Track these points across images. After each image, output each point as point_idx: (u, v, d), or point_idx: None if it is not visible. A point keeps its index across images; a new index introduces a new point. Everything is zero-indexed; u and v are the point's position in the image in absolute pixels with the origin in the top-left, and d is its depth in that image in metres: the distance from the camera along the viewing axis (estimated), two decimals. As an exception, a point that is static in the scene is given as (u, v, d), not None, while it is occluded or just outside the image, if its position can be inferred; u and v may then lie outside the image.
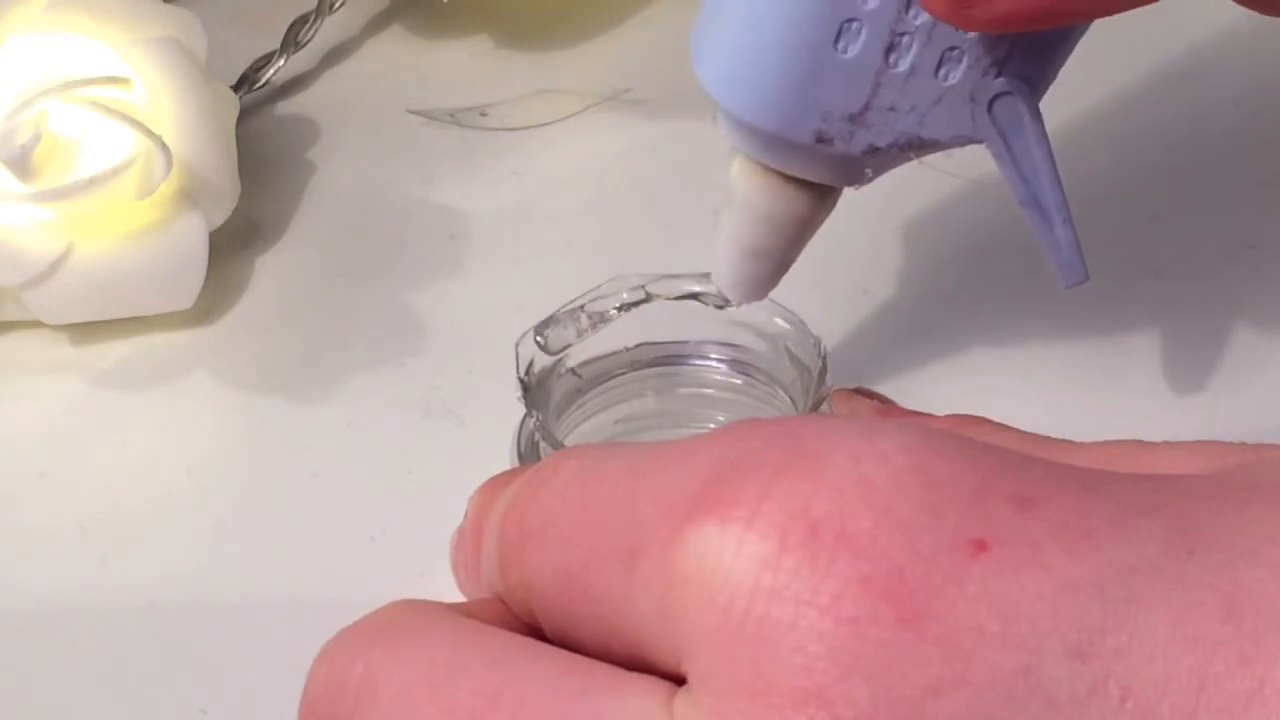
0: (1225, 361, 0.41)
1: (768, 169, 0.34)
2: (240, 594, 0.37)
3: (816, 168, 0.33)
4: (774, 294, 0.37)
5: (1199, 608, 0.21)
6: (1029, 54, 0.32)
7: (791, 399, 0.36)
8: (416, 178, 0.47)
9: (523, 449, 0.37)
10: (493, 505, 0.29)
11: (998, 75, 0.32)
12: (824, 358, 0.36)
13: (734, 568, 0.22)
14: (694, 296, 0.37)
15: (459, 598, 0.37)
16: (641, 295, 0.37)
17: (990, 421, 0.34)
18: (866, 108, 0.32)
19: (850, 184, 0.34)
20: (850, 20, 0.31)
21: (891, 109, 0.32)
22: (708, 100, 0.36)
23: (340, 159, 0.48)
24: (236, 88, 0.48)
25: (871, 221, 0.44)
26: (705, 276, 0.38)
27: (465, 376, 0.41)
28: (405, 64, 0.50)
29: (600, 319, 0.37)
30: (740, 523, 0.23)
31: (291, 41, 0.49)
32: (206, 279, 0.42)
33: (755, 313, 0.37)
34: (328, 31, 0.50)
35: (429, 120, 0.48)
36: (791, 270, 0.36)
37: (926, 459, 0.23)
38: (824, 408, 0.36)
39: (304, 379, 0.42)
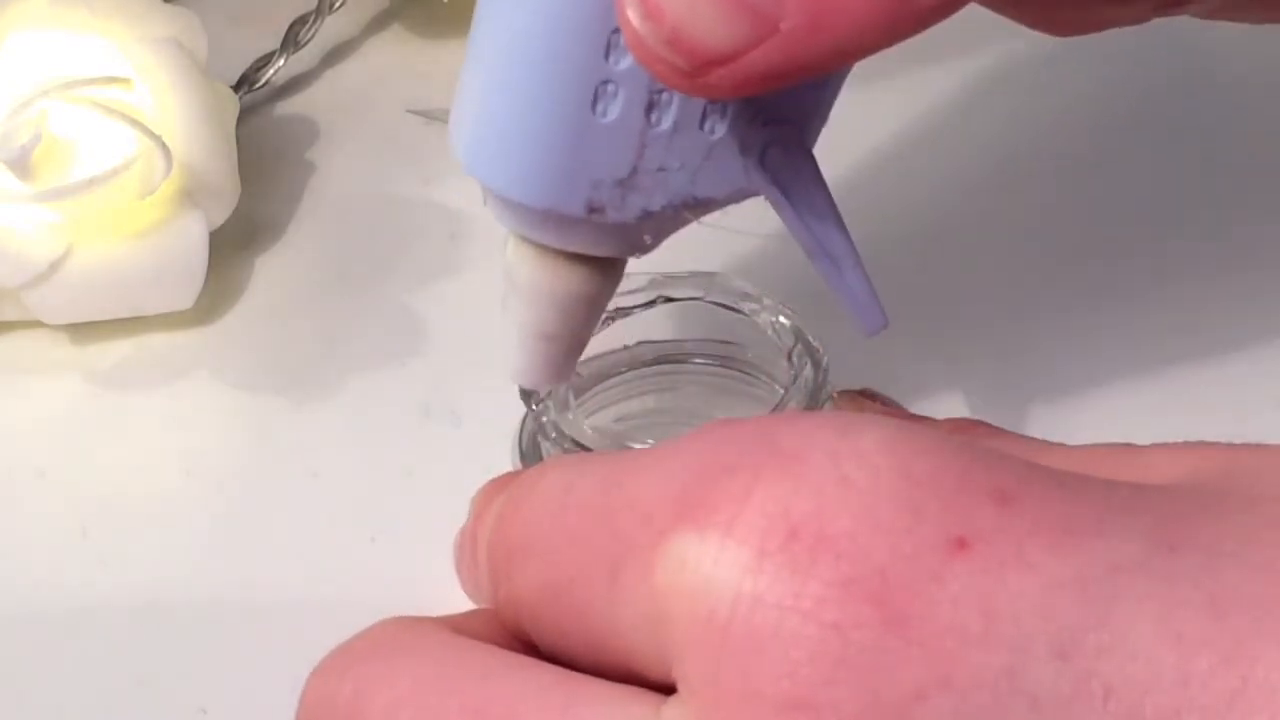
0: (1225, 362, 0.41)
1: (544, 248, 0.32)
2: (240, 594, 0.37)
3: (593, 240, 0.32)
4: (777, 292, 0.37)
5: (1182, 606, 0.21)
6: (792, 99, 0.30)
7: (792, 399, 0.36)
8: (416, 178, 0.47)
9: (524, 448, 0.37)
10: (487, 513, 0.29)
11: (765, 124, 0.30)
12: (825, 358, 0.36)
13: (714, 575, 0.22)
14: (698, 299, 0.37)
15: (459, 597, 0.37)
16: (646, 299, 0.37)
17: (987, 425, 0.34)
18: (635, 171, 0.30)
19: (631, 253, 0.32)
20: (605, 83, 0.29)
21: (661, 169, 0.30)
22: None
23: (340, 159, 0.48)
24: (236, 88, 0.48)
25: (873, 224, 0.44)
26: (708, 276, 0.38)
27: (465, 376, 0.41)
28: (405, 64, 0.50)
29: (604, 319, 0.37)
30: (719, 529, 0.23)
31: (291, 41, 0.49)
32: (206, 279, 0.42)
33: (757, 312, 0.37)
34: (328, 31, 0.50)
35: (429, 120, 0.48)
36: (795, 271, 0.35)
37: (906, 457, 0.23)
38: (826, 408, 0.36)
39: (304, 379, 0.42)
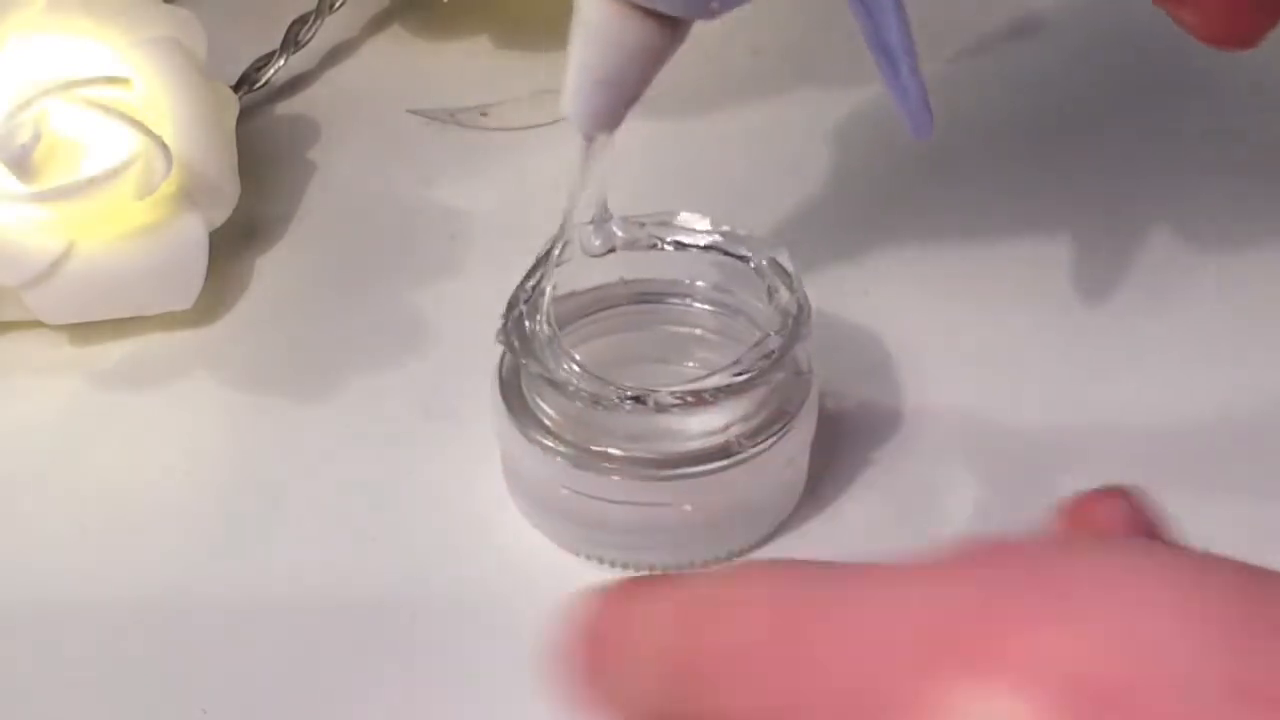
0: (1223, 350, 0.41)
1: None
2: (240, 594, 0.37)
3: None
4: (763, 231, 0.37)
5: None
6: None
7: (770, 340, 0.36)
8: (416, 178, 0.47)
9: (503, 376, 0.37)
10: (639, 617, 0.27)
11: None
12: (806, 302, 0.36)
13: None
14: (696, 246, 0.38)
15: (457, 598, 0.37)
16: (649, 239, 0.38)
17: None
18: None
19: (698, 15, 0.33)
20: None
21: None
22: (709, 100, 0.36)
23: (340, 159, 0.48)
24: (236, 88, 0.48)
25: (875, 218, 0.44)
26: (710, 221, 0.38)
27: (465, 376, 0.41)
28: (405, 64, 0.50)
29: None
30: (1003, 684, 0.21)
31: (291, 41, 0.49)
32: (206, 279, 0.42)
33: (741, 251, 0.38)
34: (328, 31, 0.50)
35: (429, 120, 0.48)
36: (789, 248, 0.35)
37: (1198, 605, 0.21)
38: (803, 352, 0.37)
39: (304, 379, 0.42)
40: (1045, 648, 0.21)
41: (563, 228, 0.37)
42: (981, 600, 0.22)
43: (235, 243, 0.45)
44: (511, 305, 0.37)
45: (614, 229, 0.37)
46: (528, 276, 0.37)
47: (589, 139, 0.35)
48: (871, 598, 0.23)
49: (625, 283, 0.39)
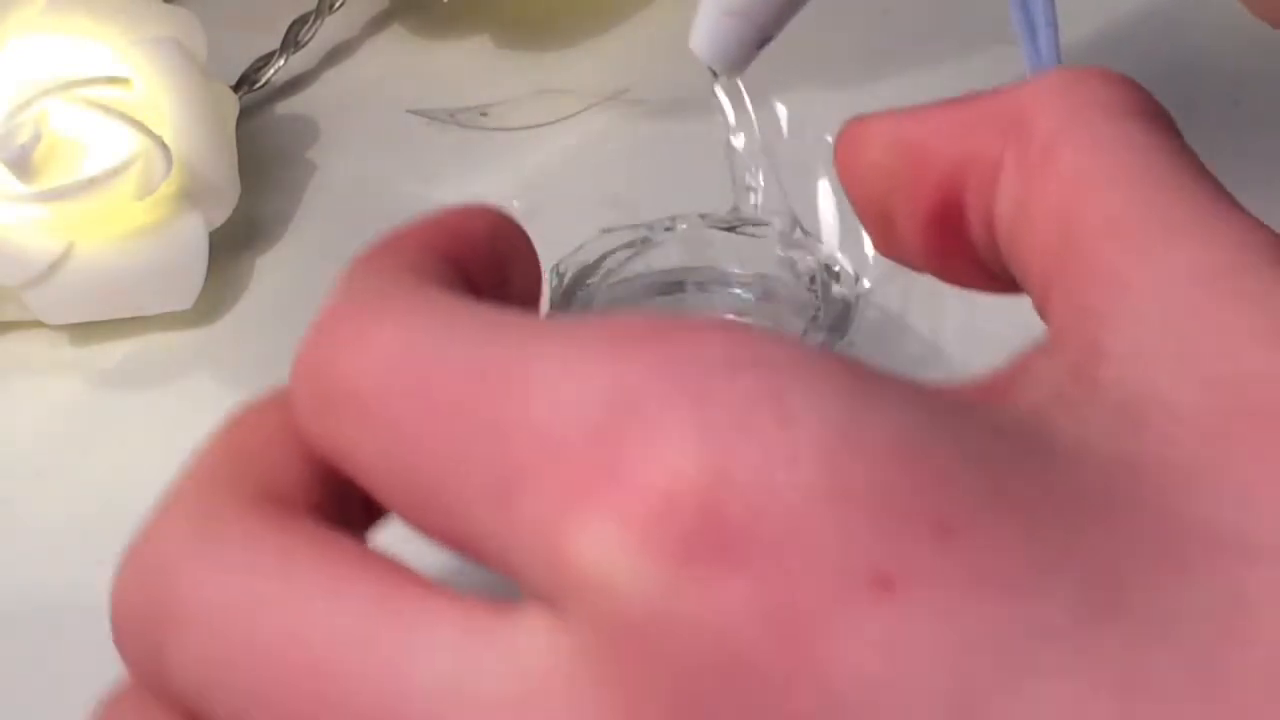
0: None
1: None
2: (240, 594, 0.37)
3: None
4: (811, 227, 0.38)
5: (1093, 687, 0.19)
6: None
7: (812, 330, 0.36)
8: (416, 178, 0.47)
9: None
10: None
11: None
12: (854, 302, 0.36)
13: (625, 579, 0.19)
14: (752, 235, 0.38)
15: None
16: (725, 222, 0.38)
17: None
18: None
19: None
20: None
21: None
22: (708, 100, 0.36)
23: (340, 159, 0.48)
24: (236, 88, 0.48)
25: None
26: (770, 216, 0.38)
27: (465, 376, 0.41)
28: (405, 64, 0.50)
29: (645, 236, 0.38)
30: (636, 522, 0.19)
31: (291, 41, 0.49)
32: (206, 279, 0.42)
33: (802, 254, 0.38)
34: (328, 31, 0.50)
35: (429, 120, 0.48)
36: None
37: (845, 461, 0.20)
38: (846, 343, 0.37)
39: (304, 379, 0.42)
40: (690, 477, 0.19)
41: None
42: (630, 400, 0.20)
43: (235, 243, 0.45)
44: (560, 271, 0.37)
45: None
46: (614, 250, 0.37)
47: (715, 78, 0.34)
48: (529, 375, 0.21)
49: (670, 270, 0.39)
